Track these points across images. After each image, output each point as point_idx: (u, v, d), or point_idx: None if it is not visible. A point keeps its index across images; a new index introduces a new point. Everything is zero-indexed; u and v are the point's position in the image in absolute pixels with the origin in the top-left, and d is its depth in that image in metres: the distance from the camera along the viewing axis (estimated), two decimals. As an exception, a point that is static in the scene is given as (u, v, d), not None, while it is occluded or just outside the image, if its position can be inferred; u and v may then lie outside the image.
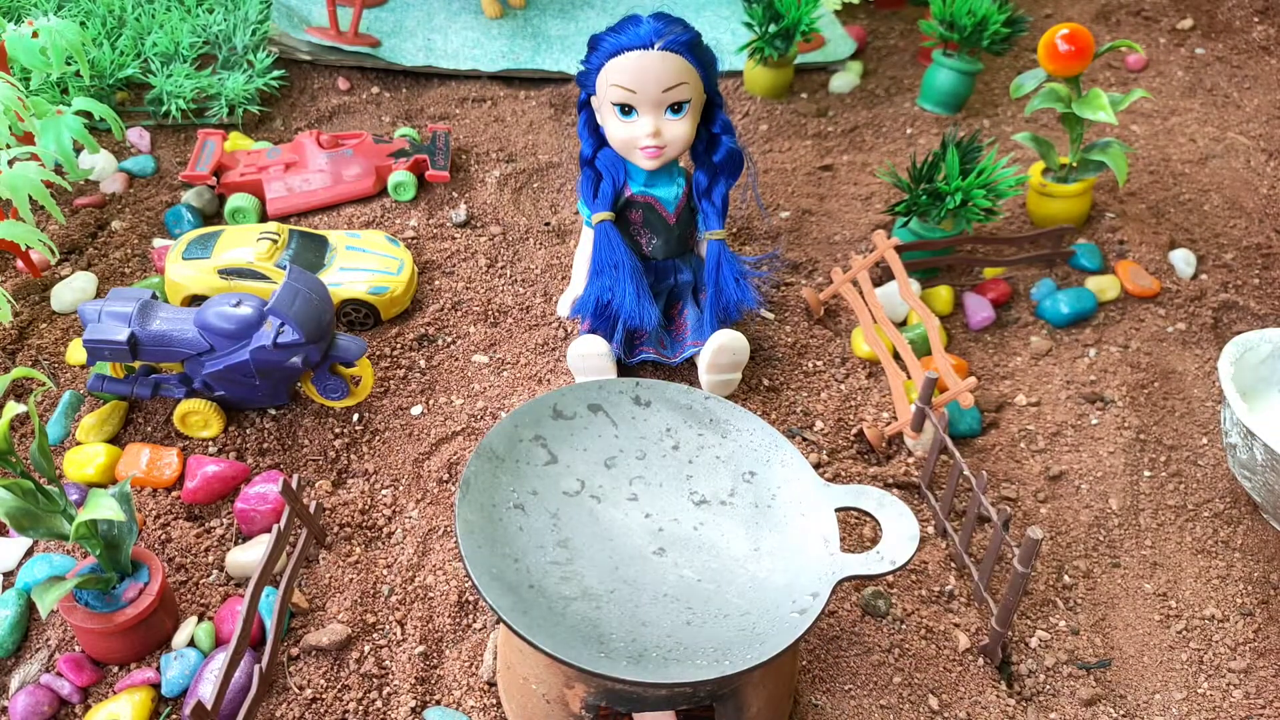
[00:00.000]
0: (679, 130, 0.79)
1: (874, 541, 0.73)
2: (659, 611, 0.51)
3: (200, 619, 0.65)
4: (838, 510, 0.55)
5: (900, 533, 0.53)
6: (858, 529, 0.74)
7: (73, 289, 0.88)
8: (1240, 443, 0.72)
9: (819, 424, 0.82)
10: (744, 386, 0.84)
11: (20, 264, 0.91)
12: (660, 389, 0.61)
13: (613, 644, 0.49)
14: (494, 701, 0.62)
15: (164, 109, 1.08)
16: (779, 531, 0.55)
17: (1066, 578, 0.74)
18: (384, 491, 0.75)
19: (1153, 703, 0.67)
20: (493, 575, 0.50)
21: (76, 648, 0.63)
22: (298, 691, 0.62)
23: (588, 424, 0.60)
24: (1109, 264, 0.99)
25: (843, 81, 1.25)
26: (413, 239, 0.97)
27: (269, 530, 0.69)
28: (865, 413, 0.83)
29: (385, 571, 0.69)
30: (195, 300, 0.85)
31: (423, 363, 0.85)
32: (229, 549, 0.70)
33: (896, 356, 0.87)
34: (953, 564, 0.73)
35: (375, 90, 1.19)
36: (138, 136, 1.06)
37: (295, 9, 1.21)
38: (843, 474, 0.78)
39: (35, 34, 0.87)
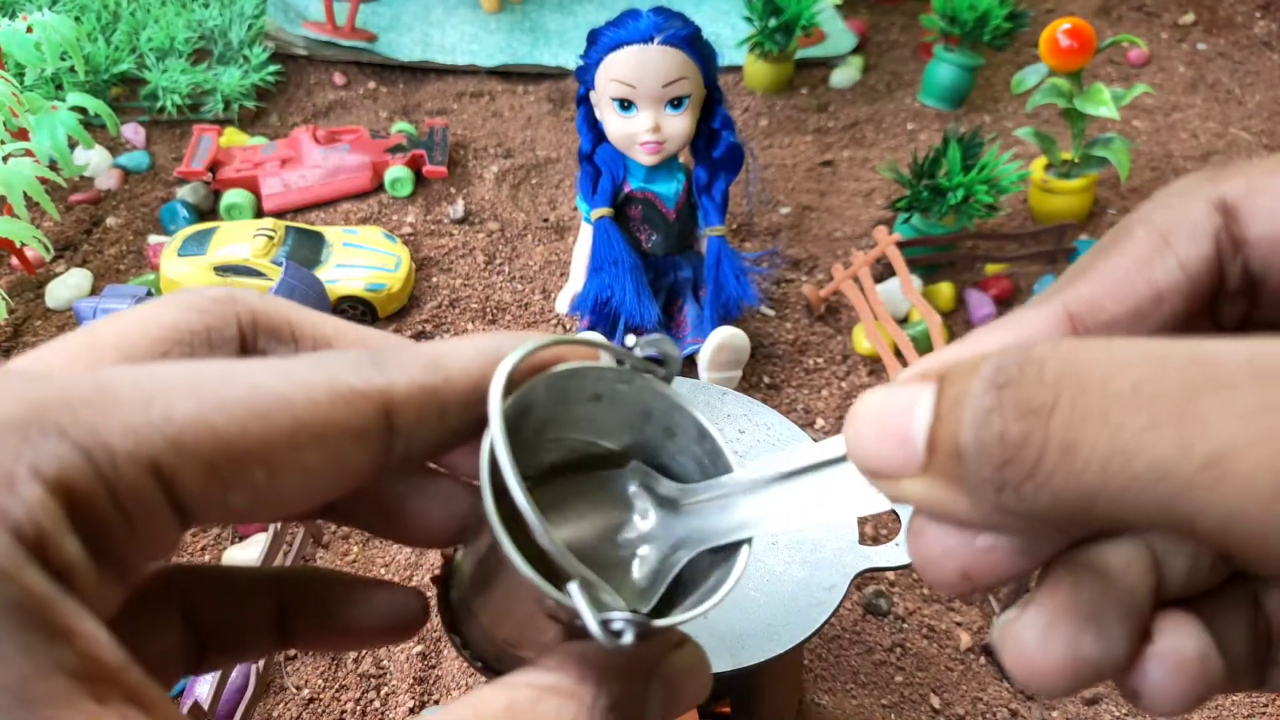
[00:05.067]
0: (679, 125, 0.78)
1: (875, 540, 0.73)
2: None
3: (196, 619, 0.65)
4: None
5: None
6: (860, 528, 0.74)
7: (68, 286, 0.87)
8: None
9: (820, 421, 0.81)
10: (744, 384, 0.83)
11: (15, 261, 0.90)
12: (676, 385, 0.61)
13: None
14: None
15: (159, 104, 1.07)
16: None
17: (1069, 576, 0.73)
18: (382, 490, 0.74)
19: (1155, 702, 0.66)
20: None
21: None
22: (295, 691, 0.61)
23: None
24: (1111, 260, 0.98)
25: (843, 76, 1.24)
26: (410, 235, 0.96)
27: (265, 529, 0.68)
28: (866, 410, 0.83)
29: (383, 571, 0.69)
30: (191, 297, 0.85)
31: (421, 360, 0.85)
32: (225, 548, 0.69)
33: (898, 353, 0.86)
34: (954, 562, 0.73)
35: (372, 85, 1.18)
36: (132, 132, 1.06)
37: (291, 3, 1.21)
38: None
39: (29, 29, 0.86)
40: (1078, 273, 0.20)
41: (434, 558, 0.70)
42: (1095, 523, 0.16)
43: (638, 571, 0.23)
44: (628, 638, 0.19)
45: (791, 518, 0.22)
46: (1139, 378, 0.14)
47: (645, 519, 0.24)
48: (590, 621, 0.19)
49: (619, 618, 0.19)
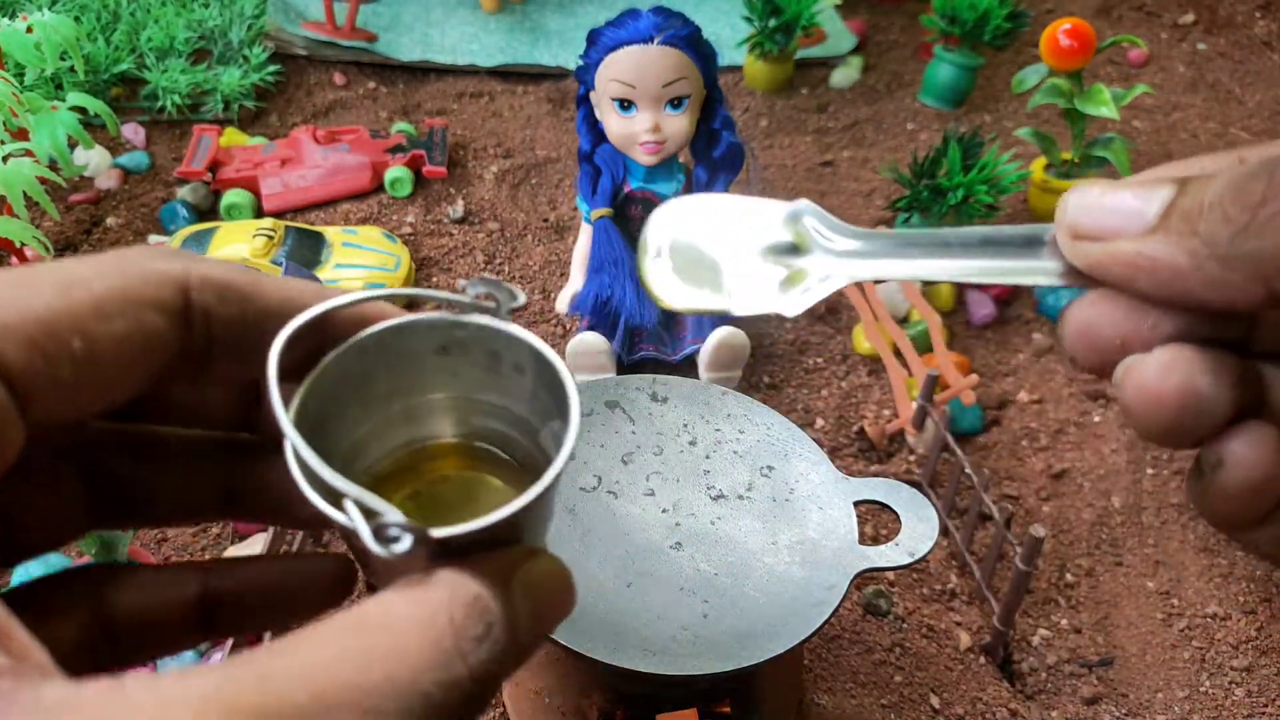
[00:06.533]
0: (679, 125, 0.78)
1: (875, 540, 0.73)
2: (676, 605, 0.51)
3: (196, 619, 0.65)
4: (856, 504, 0.55)
5: (920, 524, 0.53)
6: (860, 528, 0.74)
7: (67, 286, 0.87)
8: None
9: (820, 421, 0.81)
10: (744, 384, 0.83)
11: (14, 261, 0.90)
12: (677, 385, 0.61)
13: (630, 637, 0.49)
14: (493, 701, 0.62)
15: (159, 104, 1.07)
16: (797, 525, 0.55)
17: (1069, 576, 0.73)
18: (381, 490, 0.74)
19: (1155, 701, 0.66)
20: None
21: (71, 648, 0.63)
22: (295, 692, 0.61)
23: (605, 420, 0.60)
24: (1111, 260, 0.98)
25: (843, 76, 1.24)
26: (410, 235, 0.96)
27: (265, 529, 0.68)
28: (866, 410, 0.83)
29: (383, 571, 0.69)
30: (191, 297, 0.84)
31: (420, 360, 0.85)
32: (225, 548, 0.69)
33: (898, 353, 0.86)
34: (954, 562, 0.73)
35: (372, 85, 1.18)
36: (132, 132, 1.06)
37: (291, 3, 1.21)
38: (844, 471, 0.77)
39: (30, 29, 0.86)
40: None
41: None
42: None
43: (788, 286, 0.25)
44: (404, 543, 0.19)
45: (956, 271, 0.23)
46: None
47: (806, 251, 0.25)
48: (361, 527, 0.19)
49: (393, 524, 0.19)
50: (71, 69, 1.03)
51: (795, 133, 1.16)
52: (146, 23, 1.11)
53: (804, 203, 0.26)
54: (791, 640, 0.48)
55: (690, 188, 0.83)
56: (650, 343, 0.83)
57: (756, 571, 0.53)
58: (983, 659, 0.66)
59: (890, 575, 0.71)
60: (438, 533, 0.20)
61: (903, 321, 0.91)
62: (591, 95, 0.80)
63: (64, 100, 0.86)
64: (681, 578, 0.53)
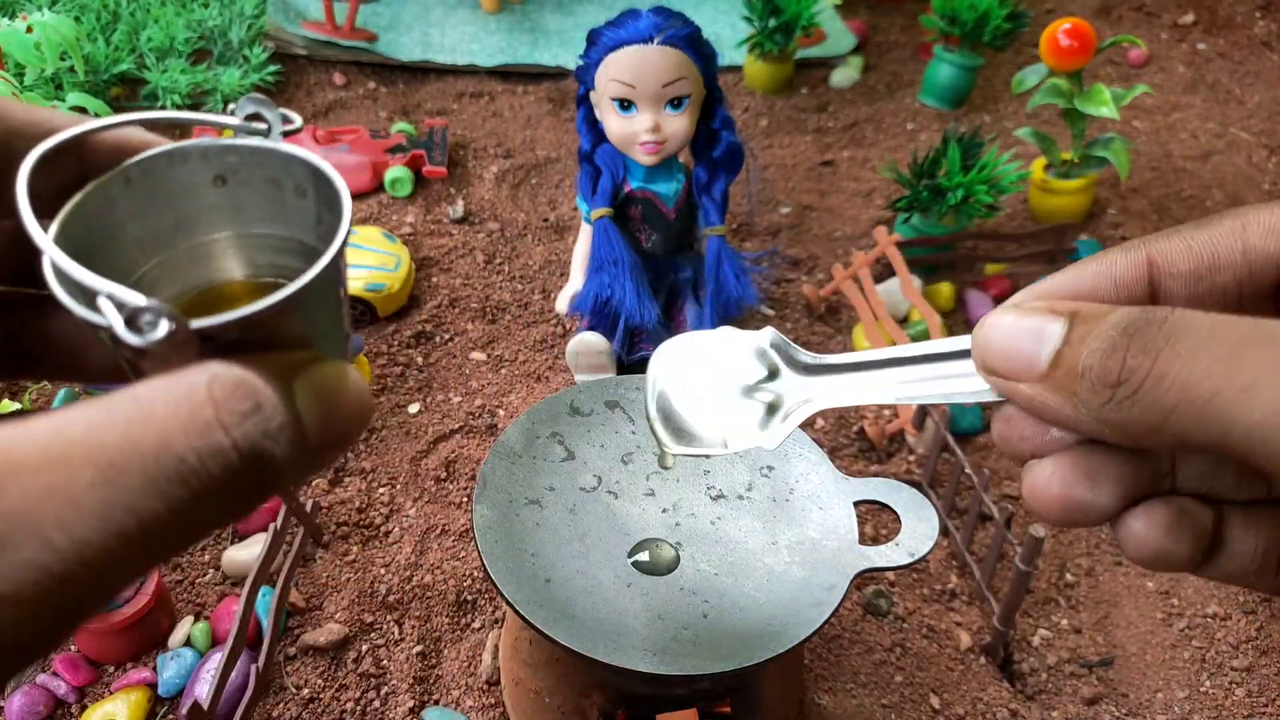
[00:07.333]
0: (679, 125, 0.78)
1: (875, 540, 0.73)
2: (676, 605, 0.51)
3: (196, 618, 0.65)
4: (856, 504, 0.55)
5: (920, 524, 0.53)
6: (860, 528, 0.74)
7: (68, 286, 0.87)
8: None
9: (820, 421, 0.81)
10: (744, 384, 0.83)
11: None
12: None
13: (630, 637, 0.49)
14: (493, 701, 0.62)
15: (159, 104, 1.07)
16: (797, 525, 0.55)
17: (1069, 576, 0.73)
18: (381, 490, 0.75)
19: (1155, 701, 0.66)
20: (509, 570, 0.50)
21: (72, 647, 0.63)
22: (295, 691, 0.61)
23: (605, 420, 0.60)
24: (1111, 260, 0.98)
25: (843, 76, 1.24)
26: (410, 235, 0.96)
27: (265, 529, 0.68)
28: (866, 410, 0.83)
29: (383, 570, 0.69)
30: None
31: (420, 360, 0.85)
32: (225, 547, 0.69)
33: (897, 353, 0.86)
34: (954, 562, 0.73)
35: (372, 85, 1.18)
36: (133, 132, 1.06)
37: (291, 3, 1.21)
38: (844, 471, 0.77)
39: (29, 29, 0.86)
40: (1169, 232, 0.25)
41: (433, 557, 0.70)
42: (1164, 435, 0.20)
43: (770, 415, 0.28)
44: (160, 329, 0.18)
45: (908, 391, 0.26)
46: (1217, 334, 0.20)
47: (778, 376, 0.29)
48: (114, 319, 0.18)
49: (146, 308, 0.18)
50: (71, 69, 1.03)
51: (795, 133, 1.16)
52: (146, 23, 1.11)
53: (767, 330, 0.29)
54: (791, 640, 0.48)
55: (690, 187, 0.83)
56: (650, 342, 0.83)
57: (757, 571, 0.53)
58: (983, 659, 0.67)
59: (890, 575, 0.71)
60: (198, 323, 0.19)
61: (903, 321, 0.91)
62: (591, 95, 0.80)
63: (64, 100, 0.86)
64: (682, 578, 0.53)
